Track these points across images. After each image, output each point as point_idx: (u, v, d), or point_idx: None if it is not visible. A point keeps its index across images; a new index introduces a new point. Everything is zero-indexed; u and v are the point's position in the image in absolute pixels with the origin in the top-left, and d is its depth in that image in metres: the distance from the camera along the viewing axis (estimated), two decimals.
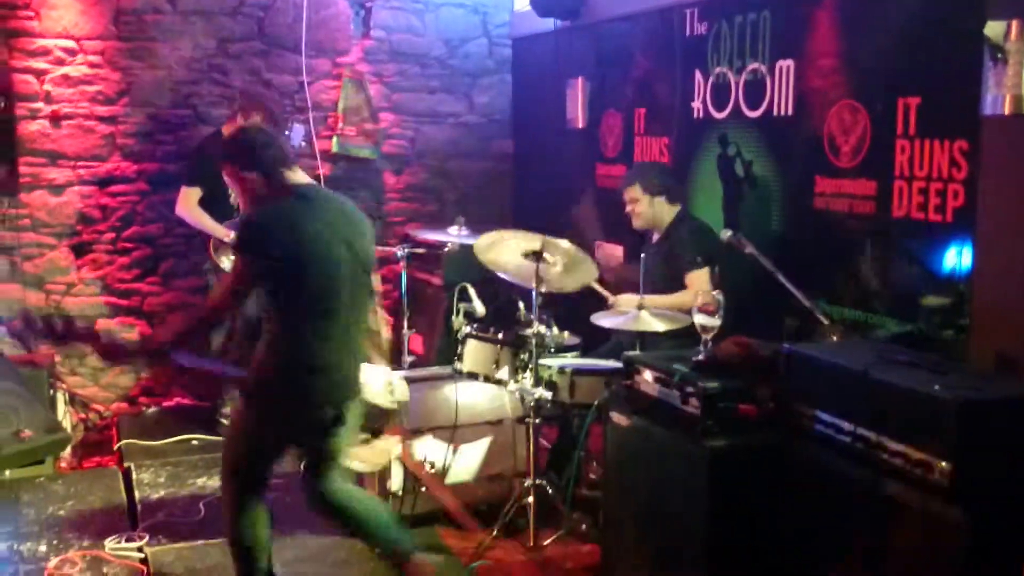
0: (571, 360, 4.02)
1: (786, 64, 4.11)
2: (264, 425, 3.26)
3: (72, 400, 5.75)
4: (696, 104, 4.72)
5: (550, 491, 3.95)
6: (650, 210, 4.39)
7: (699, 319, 3.35)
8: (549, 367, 3.92)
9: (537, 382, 3.89)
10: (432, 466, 3.98)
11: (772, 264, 3.63)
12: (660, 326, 3.84)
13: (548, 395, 3.88)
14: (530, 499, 3.88)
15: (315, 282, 3.16)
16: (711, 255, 4.13)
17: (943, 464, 2.48)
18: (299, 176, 3.30)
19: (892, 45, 3.58)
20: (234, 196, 4.48)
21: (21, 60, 5.57)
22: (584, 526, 3.96)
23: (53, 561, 3.86)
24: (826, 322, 3.50)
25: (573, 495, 4.11)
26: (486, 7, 6.53)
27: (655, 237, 4.47)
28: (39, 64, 5.62)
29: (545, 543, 3.89)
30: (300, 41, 6.06)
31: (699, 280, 4.11)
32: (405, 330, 4.83)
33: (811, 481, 2.91)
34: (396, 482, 3.97)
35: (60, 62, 5.65)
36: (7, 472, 4.77)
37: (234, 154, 3.27)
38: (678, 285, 4.19)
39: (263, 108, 5.49)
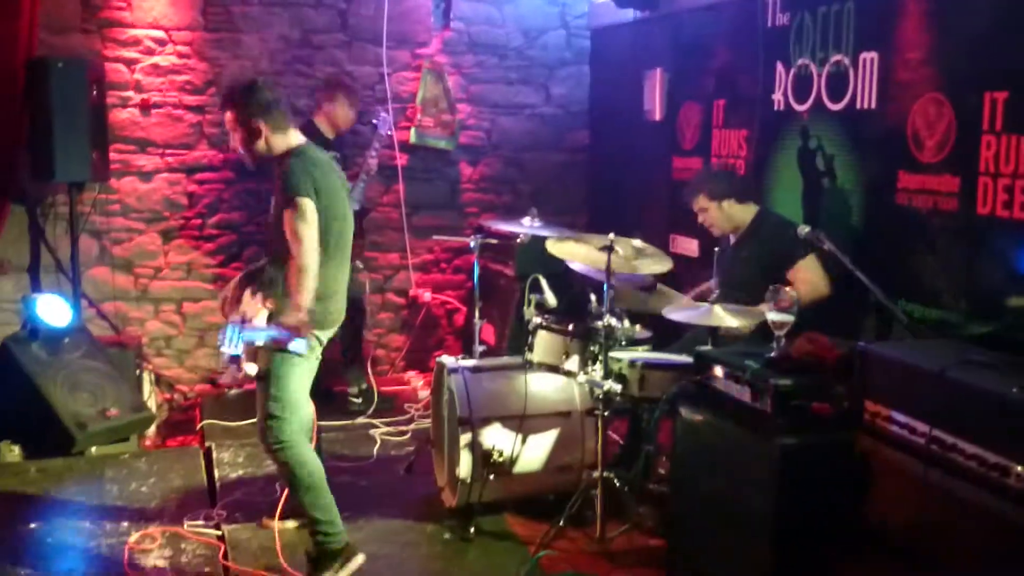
0: (642, 354, 4.00)
1: (870, 56, 4.02)
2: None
3: (158, 381, 5.94)
4: (777, 96, 4.64)
5: (618, 484, 3.94)
6: (721, 215, 4.35)
7: (772, 315, 3.30)
8: (619, 360, 3.91)
9: (607, 375, 3.89)
10: (500, 454, 4.01)
11: (851, 261, 3.56)
12: (733, 322, 3.79)
13: (618, 388, 3.87)
14: (597, 491, 3.88)
15: (333, 225, 3.48)
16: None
17: (1020, 468, 2.41)
18: (294, 137, 3.55)
19: (979, 38, 3.47)
20: None
21: (113, 50, 5.76)
22: (651, 520, 3.94)
23: (134, 536, 3.99)
24: (905, 321, 3.42)
25: (641, 489, 4.10)
26: None
27: (733, 238, 4.43)
28: (130, 54, 5.80)
29: (612, 535, 3.89)
30: (381, 33, 6.15)
31: (810, 266, 4.06)
32: (477, 319, 4.86)
33: (883, 482, 2.85)
34: (464, 469, 4.00)
35: (150, 52, 5.82)
36: (93, 449, 4.95)
37: (241, 101, 3.45)
38: (758, 286, 4.09)
39: (344, 88, 5.57)
